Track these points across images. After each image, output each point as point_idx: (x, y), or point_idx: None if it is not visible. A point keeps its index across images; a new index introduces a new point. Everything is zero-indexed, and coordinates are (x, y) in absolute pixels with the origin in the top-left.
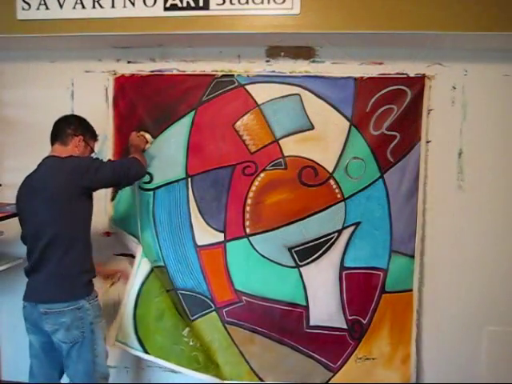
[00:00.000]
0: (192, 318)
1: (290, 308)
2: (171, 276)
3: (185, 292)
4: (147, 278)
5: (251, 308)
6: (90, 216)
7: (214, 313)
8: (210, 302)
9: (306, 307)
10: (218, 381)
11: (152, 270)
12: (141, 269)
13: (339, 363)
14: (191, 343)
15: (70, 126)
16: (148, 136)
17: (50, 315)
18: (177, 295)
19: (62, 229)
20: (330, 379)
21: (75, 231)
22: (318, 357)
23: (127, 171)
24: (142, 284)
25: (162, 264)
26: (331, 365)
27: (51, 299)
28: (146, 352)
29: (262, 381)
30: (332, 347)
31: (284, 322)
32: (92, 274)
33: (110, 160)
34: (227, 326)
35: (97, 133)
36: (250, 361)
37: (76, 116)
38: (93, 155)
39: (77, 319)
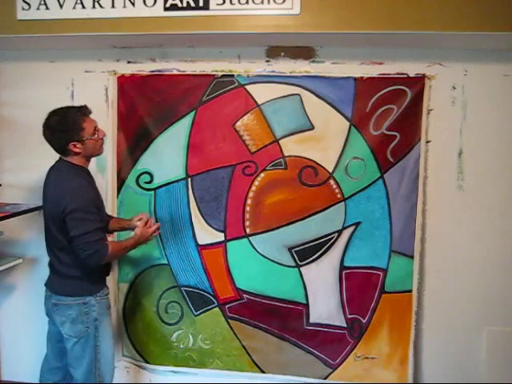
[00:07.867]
0: (196, 313)
1: (290, 306)
2: (174, 273)
3: (188, 289)
4: (126, 299)
5: (252, 305)
6: None
7: (216, 308)
8: (213, 299)
9: (306, 305)
10: (218, 372)
11: (129, 291)
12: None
13: (338, 360)
14: (182, 346)
15: (55, 141)
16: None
17: (59, 306)
18: (180, 291)
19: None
20: (329, 375)
21: None
22: (318, 353)
23: (86, 253)
24: (124, 306)
25: (165, 262)
26: (330, 361)
27: (60, 293)
28: (147, 362)
29: (264, 373)
30: (331, 344)
31: (284, 319)
32: (104, 272)
33: (87, 222)
34: (230, 321)
35: (88, 108)
36: (251, 354)
37: (50, 123)
38: (104, 138)
39: (82, 314)
